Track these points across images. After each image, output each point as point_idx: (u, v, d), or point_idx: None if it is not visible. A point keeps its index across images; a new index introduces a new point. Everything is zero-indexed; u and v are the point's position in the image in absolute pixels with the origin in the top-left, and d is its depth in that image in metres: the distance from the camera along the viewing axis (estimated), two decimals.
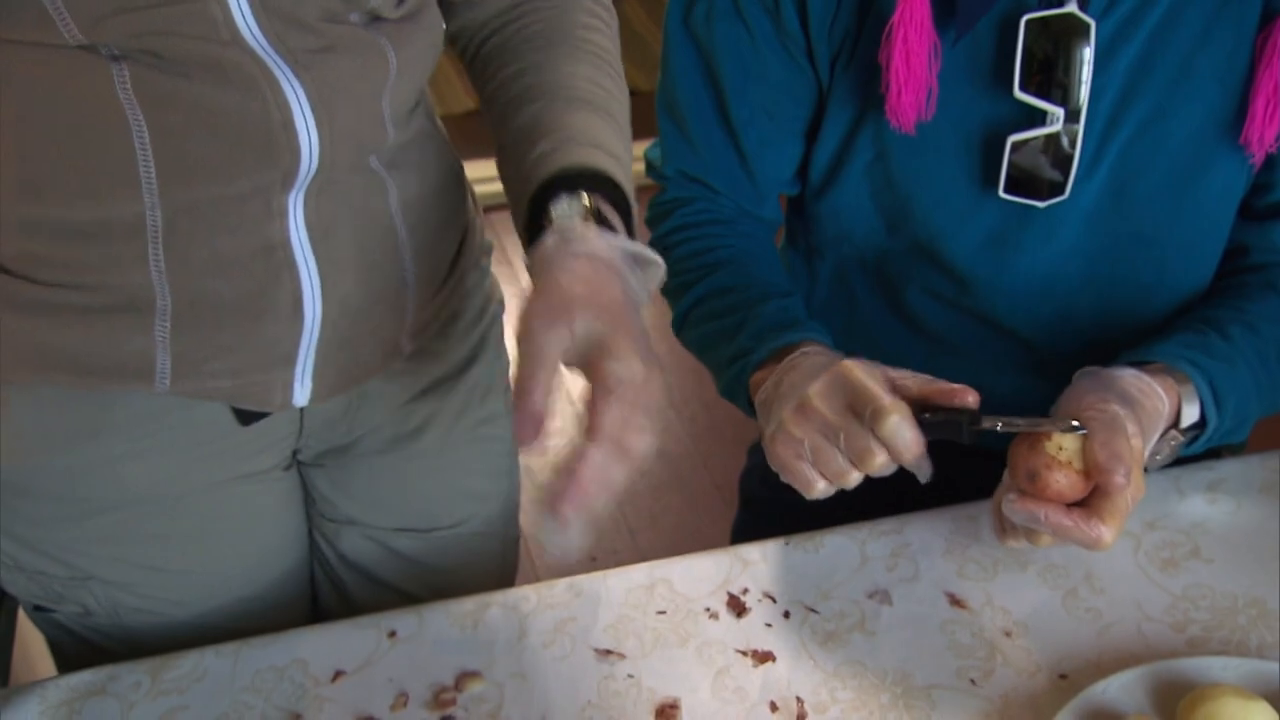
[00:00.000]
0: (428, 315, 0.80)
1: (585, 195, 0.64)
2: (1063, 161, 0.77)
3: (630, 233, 0.66)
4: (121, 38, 0.57)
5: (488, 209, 0.91)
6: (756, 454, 1.10)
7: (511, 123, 0.71)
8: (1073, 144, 0.77)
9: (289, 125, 0.63)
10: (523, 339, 0.56)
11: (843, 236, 0.90)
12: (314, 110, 0.63)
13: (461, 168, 0.84)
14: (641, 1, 3.46)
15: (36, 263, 0.64)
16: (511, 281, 2.23)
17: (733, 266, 0.88)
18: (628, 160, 0.71)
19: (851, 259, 0.92)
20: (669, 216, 0.91)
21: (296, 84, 0.62)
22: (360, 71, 0.65)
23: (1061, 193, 0.78)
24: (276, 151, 0.63)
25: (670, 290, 0.90)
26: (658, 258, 0.64)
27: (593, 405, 0.55)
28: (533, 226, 0.65)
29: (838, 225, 0.89)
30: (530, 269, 0.62)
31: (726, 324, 0.83)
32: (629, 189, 0.68)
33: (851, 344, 0.76)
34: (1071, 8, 0.73)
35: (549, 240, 0.62)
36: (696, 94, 0.86)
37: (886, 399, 0.64)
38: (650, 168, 0.93)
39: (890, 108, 0.77)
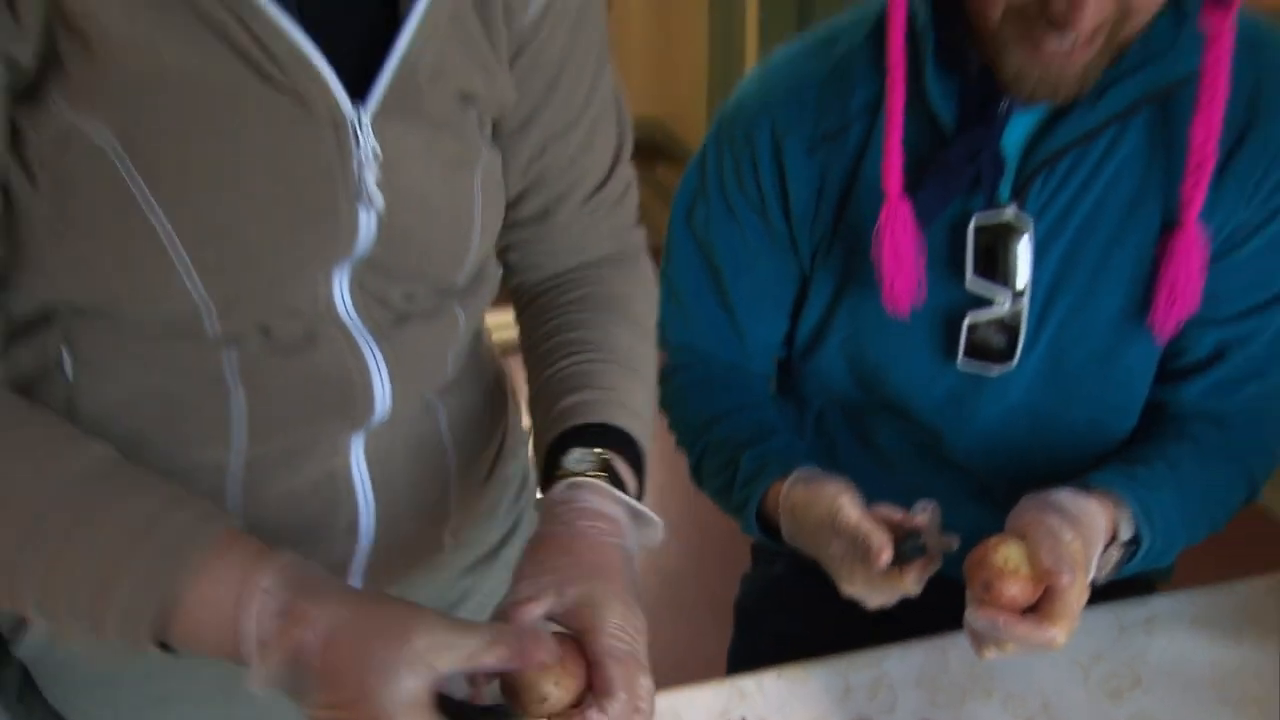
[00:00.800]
0: (469, 512, 0.85)
1: (600, 450, 0.68)
2: (1010, 336, 0.90)
3: (641, 488, 0.71)
4: (245, 321, 0.63)
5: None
6: (748, 582, 1.20)
7: (548, 372, 0.76)
8: (1017, 322, 0.89)
9: (367, 387, 0.69)
10: (514, 591, 0.61)
11: (823, 392, 1.02)
12: (390, 372, 0.69)
13: (503, 373, 0.90)
14: (636, 169, 3.75)
15: None
16: None
17: (725, 420, 0.99)
18: (650, 419, 0.76)
19: (831, 410, 1.04)
20: (672, 379, 1.04)
21: (377, 351, 0.68)
22: (434, 336, 0.73)
23: (1010, 361, 0.90)
24: (355, 408, 0.70)
25: (680, 444, 1.03)
26: (657, 519, 0.69)
27: (594, 666, 0.58)
28: (550, 470, 0.69)
29: (819, 383, 1.01)
30: (540, 510, 0.67)
31: (723, 480, 0.95)
32: (645, 447, 0.72)
33: None
34: (1010, 211, 0.86)
35: (558, 489, 0.67)
36: (697, 280, 0.99)
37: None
38: (659, 337, 1.05)
39: (886, 298, 0.87)
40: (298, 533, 0.72)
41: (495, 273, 0.79)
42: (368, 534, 0.76)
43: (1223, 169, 0.84)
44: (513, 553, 0.93)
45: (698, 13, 3.37)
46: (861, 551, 0.79)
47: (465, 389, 0.81)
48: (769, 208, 0.93)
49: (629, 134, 0.80)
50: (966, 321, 0.89)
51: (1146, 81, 0.81)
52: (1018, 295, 0.88)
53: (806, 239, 0.94)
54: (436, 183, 0.66)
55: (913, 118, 0.84)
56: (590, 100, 0.75)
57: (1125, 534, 0.84)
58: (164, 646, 0.57)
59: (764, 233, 0.95)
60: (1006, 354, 0.90)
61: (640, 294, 0.82)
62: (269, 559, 0.56)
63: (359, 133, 0.60)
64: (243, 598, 0.55)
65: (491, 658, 0.55)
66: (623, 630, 0.59)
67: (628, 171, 0.81)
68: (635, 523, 0.68)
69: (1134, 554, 0.85)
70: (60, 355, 0.64)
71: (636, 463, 0.71)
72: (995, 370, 0.91)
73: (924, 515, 0.81)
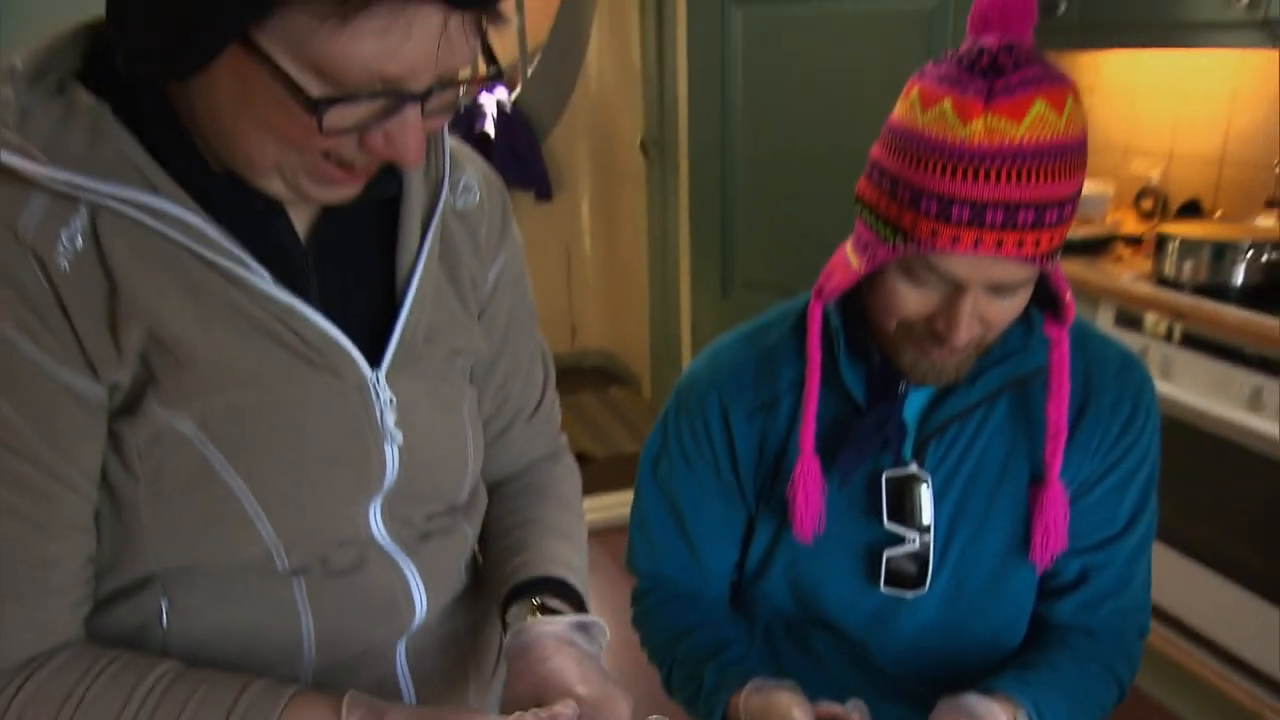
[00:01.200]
0: (484, 703, 0.99)
1: (535, 599, 0.83)
2: (921, 566, 1.09)
3: (580, 611, 0.85)
4: (308, 555, 0.75)
5: None
6: None
7: (497, 548, 0.93)
8: (926, 555, 1.09)
9: (409, 598, 0.83)
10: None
11: (769, 609, 1.20)
12: (424, 582, 0.84)
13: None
14: (593, 392, 4.39)
15: None
16: None
17: (688, 638, 1.16)
18: (582, 567, 0.94)
19: (776, 623, 1.21)
20: (643, 600, 1.22)
21: (411, 565, 0.83)
22: (451, 548, 0.88)
23: (922, 587, 1.10)
24: (399, 616, 0.83)
25: (651, 660, 1.19)
26: (598, 620, 0.83)
27: None
28: (504, 618, 0.84)
29: (765, 602, 1.19)
30: (506, 657, 0.82)
31: (690, 691, 1.11)
32: (581, 587, 0.89)
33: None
34: (913, 468, 1.07)
35: (507, 639, 0.80)
36: (662, 520, 1.18)
37: None
38: (630, 565, 1.24)
39: (795, 530, 1.08)
40: None
41: (484, 492, 0.96)
42: None
43: (1071, 436, 1.07)
44: None
45: (640, 268, 4.07)
46: None
47: (472, 591, 0.95)
48: (720, 462, 1.13)
49: (551, 365, 1.03)
50: (885, 555, 1.09)
51: (1008, 372, 1.05)
52: (924, 533, 1.08)
53: (751, 487, 1.14)
54: (438, 421, 0.83)
55: (831, 393, 1.07)
56: (529, 343, 0.97)
57: None
58: None
59: (716, 482, 1.14)
60: (919, 581, 1.09)
61: (567, 479, 1.04)
62: (340, 696, 0.70)
63: (377, 388, 0.77)
64: None
65: None
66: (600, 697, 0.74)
67: (553, 392, 1.04)
68: (582, 631, 0.82)
69: None
70: (160, 609, 0.74)
71: (569, 594, 0.86)
72: (910, 594, 1.10)
73: (856, 715, 0.98)
